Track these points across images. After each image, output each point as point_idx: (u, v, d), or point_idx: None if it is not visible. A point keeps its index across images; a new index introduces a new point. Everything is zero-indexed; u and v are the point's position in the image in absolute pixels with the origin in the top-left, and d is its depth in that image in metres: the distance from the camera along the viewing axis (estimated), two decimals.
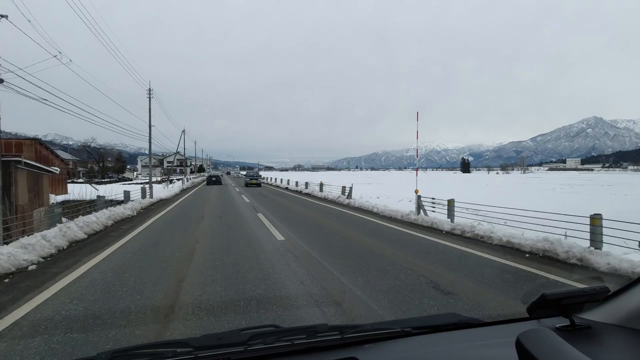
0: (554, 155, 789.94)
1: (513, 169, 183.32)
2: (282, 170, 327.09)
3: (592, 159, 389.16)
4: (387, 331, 1.20)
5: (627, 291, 1.15)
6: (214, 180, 40.36)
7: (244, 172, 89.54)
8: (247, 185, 37.79)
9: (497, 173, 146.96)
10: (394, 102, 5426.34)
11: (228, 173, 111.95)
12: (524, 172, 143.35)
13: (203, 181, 51.11)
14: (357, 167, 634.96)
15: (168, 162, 75.83)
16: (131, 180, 63.03)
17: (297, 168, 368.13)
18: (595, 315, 1.19)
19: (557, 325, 1.16)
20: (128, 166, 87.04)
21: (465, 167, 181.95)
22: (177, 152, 74.51)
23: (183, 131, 59.12)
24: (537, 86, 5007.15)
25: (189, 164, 73.67)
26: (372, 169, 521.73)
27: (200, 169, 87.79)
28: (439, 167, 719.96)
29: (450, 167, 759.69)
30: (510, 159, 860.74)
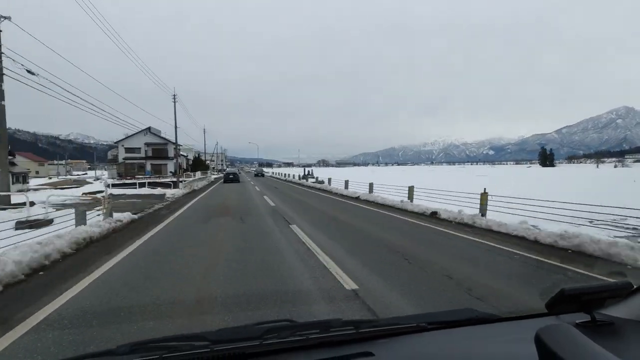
0: (582, 148, 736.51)
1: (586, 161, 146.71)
2: (303, 166, 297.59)
3: None
4: (402, 326, 1.17)
5: None
6: (231, 178, 34.84)
7: (259, 169, 60.71)
8: (255, 175, 41.12)
9: (616, 166, 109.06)
10: (411, 96, 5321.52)
11: (260, 175, 75.86)
12: None
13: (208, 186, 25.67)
14: (377, 162, 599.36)
15: (129, 149, 43.51)
16: None
17: (322, 164, 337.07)
18: (618, 311, 1.12)
19: (577, 321, 1.10)
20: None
21: (545, 159, 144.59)
22: (148, 130, 42.25)
23: (174, 96, 28.98)
24: (562, 75, 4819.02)
25: (168, 154, 42.58)
26: (398, 164, 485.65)
27: (197, 165, 51.64)
28: (461, 162, 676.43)
29: (470, 161, 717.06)
30: (534, 153, 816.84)
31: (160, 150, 43.84)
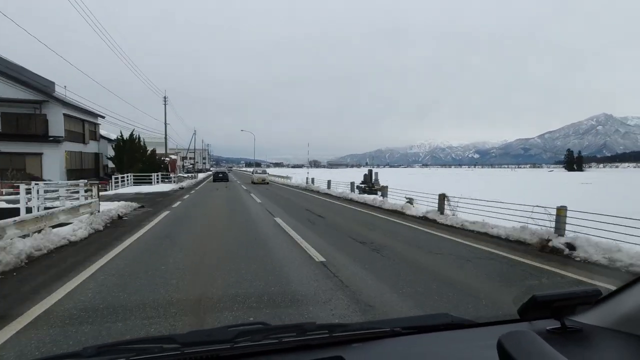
0: (564, 152, 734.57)
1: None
2: (294, 167, 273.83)
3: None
4: (376, 330, 1.15)
5: (619, 294, 1.10)
6: (220, 177, 33.89)
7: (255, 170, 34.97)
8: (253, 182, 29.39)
9: None
10: (398, 100, 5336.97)
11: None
12: None
13: None
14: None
15: None
16: None
17: (313, 164, 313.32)
18: (587, 318, 1.13)
19: (547, 328, 1.10)
20: None
21: (573, 163, 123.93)
22: None
23: None
24: (545, 82, 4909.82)
25: (49, 130, 17.62)
26: (390, 166, 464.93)
27: (125, 158, 24.68)
28: (447, 165, 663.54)
29: (456, 164, 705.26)
30: (518, 157, 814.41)
31: (28, 119, 18.90)
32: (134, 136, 25.95)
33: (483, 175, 71.16)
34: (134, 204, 11.85)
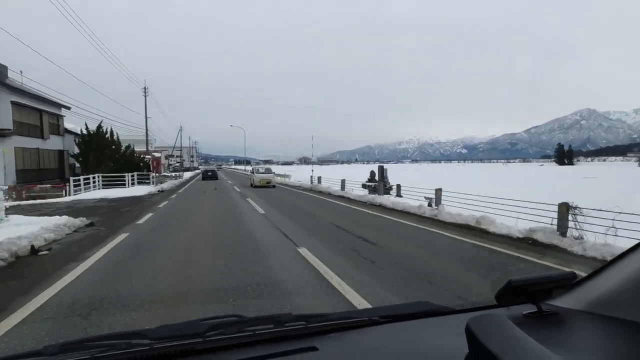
0: (549, 147, 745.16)
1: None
2: (284, 164, 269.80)
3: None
4: (354, 320, 1.13)
5: (595, 277, 1.10)
6: (209, 175, 33.71)
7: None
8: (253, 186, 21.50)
9: None
10: (387, 96, 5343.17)
11: None
12: None
13: None
14: (356, 160, 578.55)
15: None
16: None
17: (303, 161, 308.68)
18: (563, 301, 1.13)
19: (524, 312, 1.10)
20: None
21: (563, 157, 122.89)
22: None
23: None
24: (530, 77, 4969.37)
25: None
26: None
27: (91, 154, 19.72)
28: (434, 160, 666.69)
29: (444, 159, 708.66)
30: (505, 152, 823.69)
31: None
32: (103, 129, 21.61)
33: (484, 171, 68.49)
34: (78, 221, 7.89)
